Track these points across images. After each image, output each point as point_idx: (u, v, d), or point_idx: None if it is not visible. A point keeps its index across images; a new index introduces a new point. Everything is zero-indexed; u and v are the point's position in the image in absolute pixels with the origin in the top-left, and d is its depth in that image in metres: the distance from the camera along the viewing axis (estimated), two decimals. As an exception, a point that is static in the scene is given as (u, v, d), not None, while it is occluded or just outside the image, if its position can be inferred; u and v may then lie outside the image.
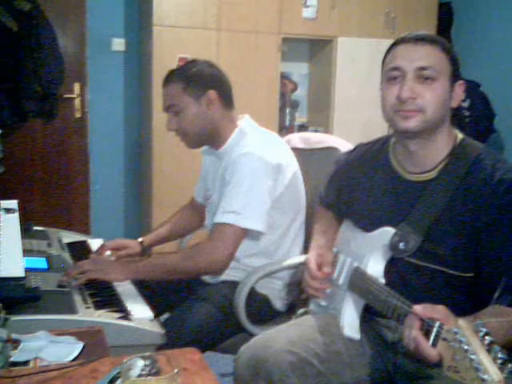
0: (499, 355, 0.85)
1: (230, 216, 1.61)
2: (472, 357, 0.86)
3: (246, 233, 1.66)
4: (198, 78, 1.72)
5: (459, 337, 0.90)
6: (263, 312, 1.76)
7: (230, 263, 1.65)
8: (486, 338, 0.87)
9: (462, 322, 0.91)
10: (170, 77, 1.74)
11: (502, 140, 4.33)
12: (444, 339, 0.96)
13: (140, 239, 1.94)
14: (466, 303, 1.26)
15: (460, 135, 1.34)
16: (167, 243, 2.07)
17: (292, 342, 1.29)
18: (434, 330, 1.00)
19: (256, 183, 1.64)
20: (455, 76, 1.30)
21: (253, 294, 1.70)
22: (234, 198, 1.63)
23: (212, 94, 1.71)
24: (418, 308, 1.07)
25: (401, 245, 1.27)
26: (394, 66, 1.29)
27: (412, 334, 1.05)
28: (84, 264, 1.57)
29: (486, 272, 1.23)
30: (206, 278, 1.81)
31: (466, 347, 0.88)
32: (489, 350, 0.86)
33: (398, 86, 1.27)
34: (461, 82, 1.31)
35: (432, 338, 1.00)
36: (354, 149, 1.58)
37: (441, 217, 1.26)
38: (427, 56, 1.27)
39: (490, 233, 1.21)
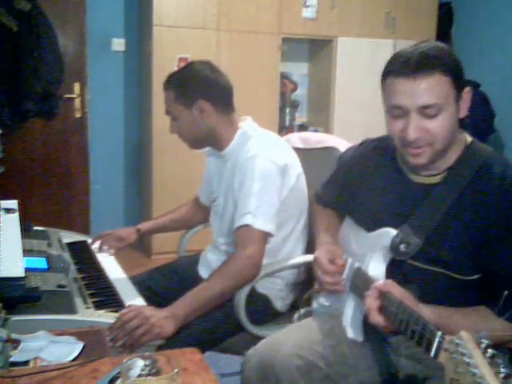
0: (502, 369, 0.82)
1: (247, 217, 1.61)
2: (474, 371, 0.83)
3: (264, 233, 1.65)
4: (188, 87, 1.69)
5: (461, 349, 0.87)
6: (263, 312, 1.76)
7: (261, 259, 1.63)
8: (489, 350, 0.85)
9: (464, 332, 0.89)
10: (166, 83, 1.74)
11: (502, 140, 4.33)
12: (446, 350, 0.94)
13: (138, 226, 1.98)
14: (470, 305, 1.25)
15: (469, 138, 1.31)
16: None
17: (299, 345, 1.29)
18: (436, 340, 0.98)
19: (266, 185, 1.64)
20: (460, 87, 1.22)
21: (253, 294, 1.70)
22: (247, 200, 1.63)
23: (202, 103, 1.68)
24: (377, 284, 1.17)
25: (402, 247, 1.25)
26: (396, 104, 1.22)
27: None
28: (131, 324, 1.32)
29: (494, 279, 1.21)
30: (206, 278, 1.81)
31: (468, 360, 0.85)
32: (491, 364, 0.83)
33: (402, 123, 1.22)
34: (467, 89, 1.24)
35: (434, 348, 0.97)
36: (361, 144, 1.56)
37: (445, 220, 1.24)
38: (429, 91, 1.18)
39: (502, 240, 1.19)
